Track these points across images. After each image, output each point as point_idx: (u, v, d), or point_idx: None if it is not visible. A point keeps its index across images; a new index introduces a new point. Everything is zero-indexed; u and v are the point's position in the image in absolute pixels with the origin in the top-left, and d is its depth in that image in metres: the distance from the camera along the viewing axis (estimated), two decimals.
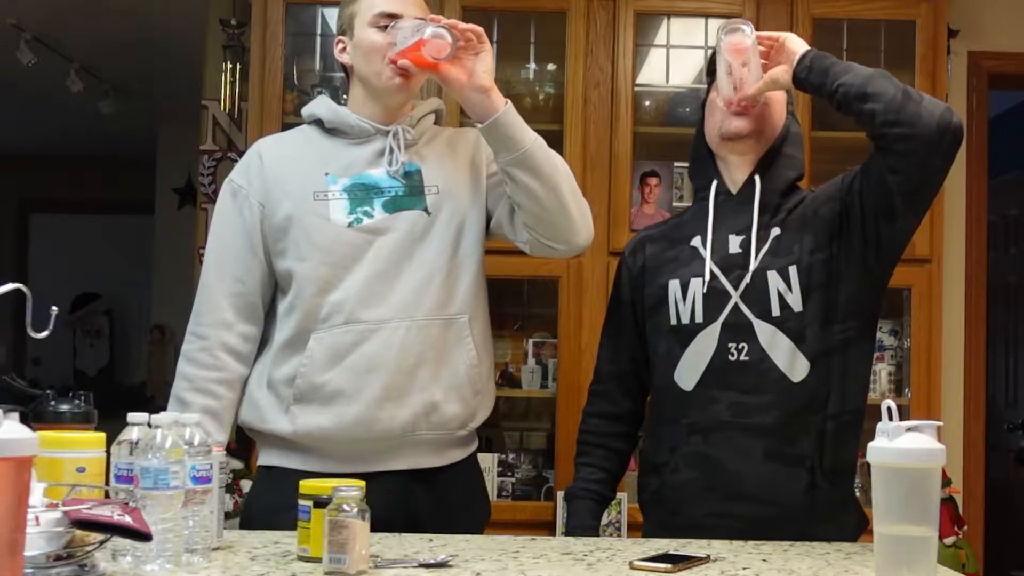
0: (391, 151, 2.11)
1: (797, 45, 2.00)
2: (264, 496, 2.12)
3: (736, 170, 2.11)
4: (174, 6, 4.72)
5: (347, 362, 2.04)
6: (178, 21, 4.83)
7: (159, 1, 4.75)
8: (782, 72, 2.00)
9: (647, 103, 3.59)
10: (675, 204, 3.53)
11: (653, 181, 3.53)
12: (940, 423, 1.66)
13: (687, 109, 3.52)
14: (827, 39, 3.53)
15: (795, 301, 2.01)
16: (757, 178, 2.08)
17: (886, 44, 3.63)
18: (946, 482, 3.29)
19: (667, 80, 3.63)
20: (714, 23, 3.56)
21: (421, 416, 2.06)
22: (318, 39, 3.68)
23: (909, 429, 1.54)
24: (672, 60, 3.62)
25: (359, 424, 2.04)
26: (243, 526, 2.05)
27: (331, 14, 3.54)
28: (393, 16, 2.10)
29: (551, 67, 3.59)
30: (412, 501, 2.07)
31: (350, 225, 2.07)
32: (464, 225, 2.13)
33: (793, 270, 2.01)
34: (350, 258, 2.06)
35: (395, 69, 2.09)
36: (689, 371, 2.05)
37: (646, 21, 3.57)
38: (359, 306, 2.05)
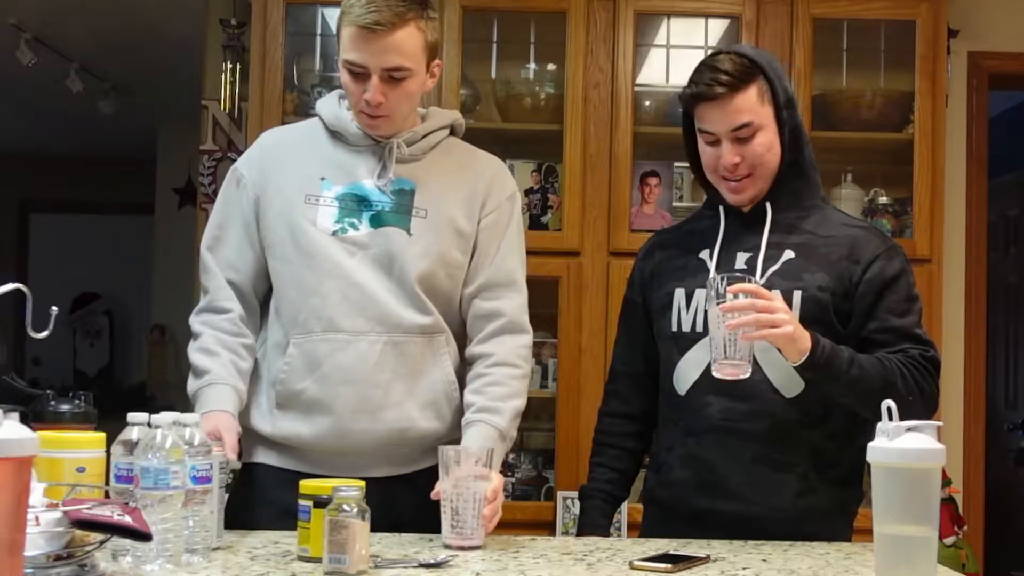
0: (384, 165, 2.09)
1: (796, 345, 1.88)
2: (246, 493, 2.08)
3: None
4: (174, 6, 4.72)
5: (322, 371, 2.04)
6: (178, 21, 4.83)
7: (159, 1, 4.75)
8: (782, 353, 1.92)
9: (647, 103, 3.58)
10: (675, 204, 3.52)
11: (653, 181, 3.52)
12: (940, 423, 1.66)
13: None
14: (827, 39, 3.54)
15: None
16: (768, 207, 2.06)
17: (886, 44, 3.63)
18: (946, 482, 3.29)
19: (667, 80, 3.62)
20: (714, 23, 3.56)
21: (396, 433, 2.05)
22: (318, 39, 3.68)
23: (909, 429, 1.54)
24: (672, 60, 3.62)
25: (333, 434, 2.04)
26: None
27: (331, 14, 3.53)
28: (358, 66, 2.00)
29: (551, 67, 3.58)
30: (395, 503, 2.03)
31: (334, 234, 2.05)
32: (445, 254, 2.09)
33: (797, 295, 1.99)
34: (331, 264, 2.05)
35: (365, 119, 2.05)
36: (684, 376, 2.06)
37: (646, 21, 3.57)
38: (338, 315, 2.04)
